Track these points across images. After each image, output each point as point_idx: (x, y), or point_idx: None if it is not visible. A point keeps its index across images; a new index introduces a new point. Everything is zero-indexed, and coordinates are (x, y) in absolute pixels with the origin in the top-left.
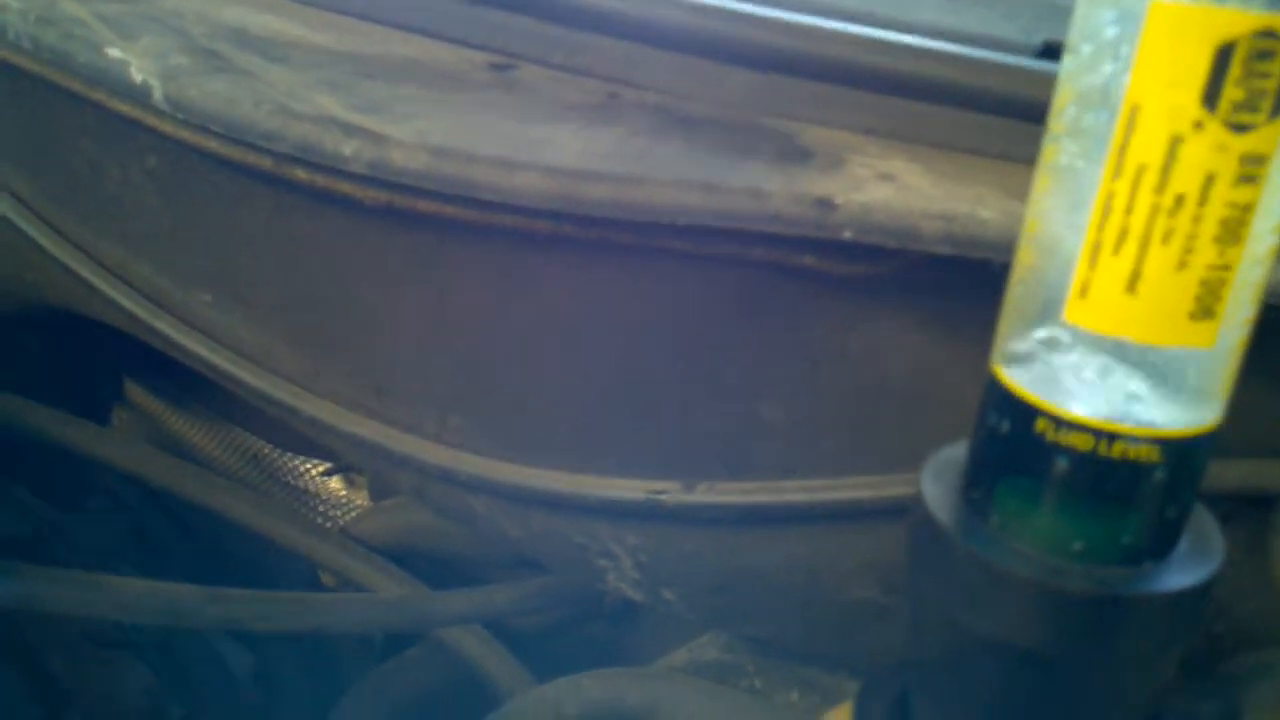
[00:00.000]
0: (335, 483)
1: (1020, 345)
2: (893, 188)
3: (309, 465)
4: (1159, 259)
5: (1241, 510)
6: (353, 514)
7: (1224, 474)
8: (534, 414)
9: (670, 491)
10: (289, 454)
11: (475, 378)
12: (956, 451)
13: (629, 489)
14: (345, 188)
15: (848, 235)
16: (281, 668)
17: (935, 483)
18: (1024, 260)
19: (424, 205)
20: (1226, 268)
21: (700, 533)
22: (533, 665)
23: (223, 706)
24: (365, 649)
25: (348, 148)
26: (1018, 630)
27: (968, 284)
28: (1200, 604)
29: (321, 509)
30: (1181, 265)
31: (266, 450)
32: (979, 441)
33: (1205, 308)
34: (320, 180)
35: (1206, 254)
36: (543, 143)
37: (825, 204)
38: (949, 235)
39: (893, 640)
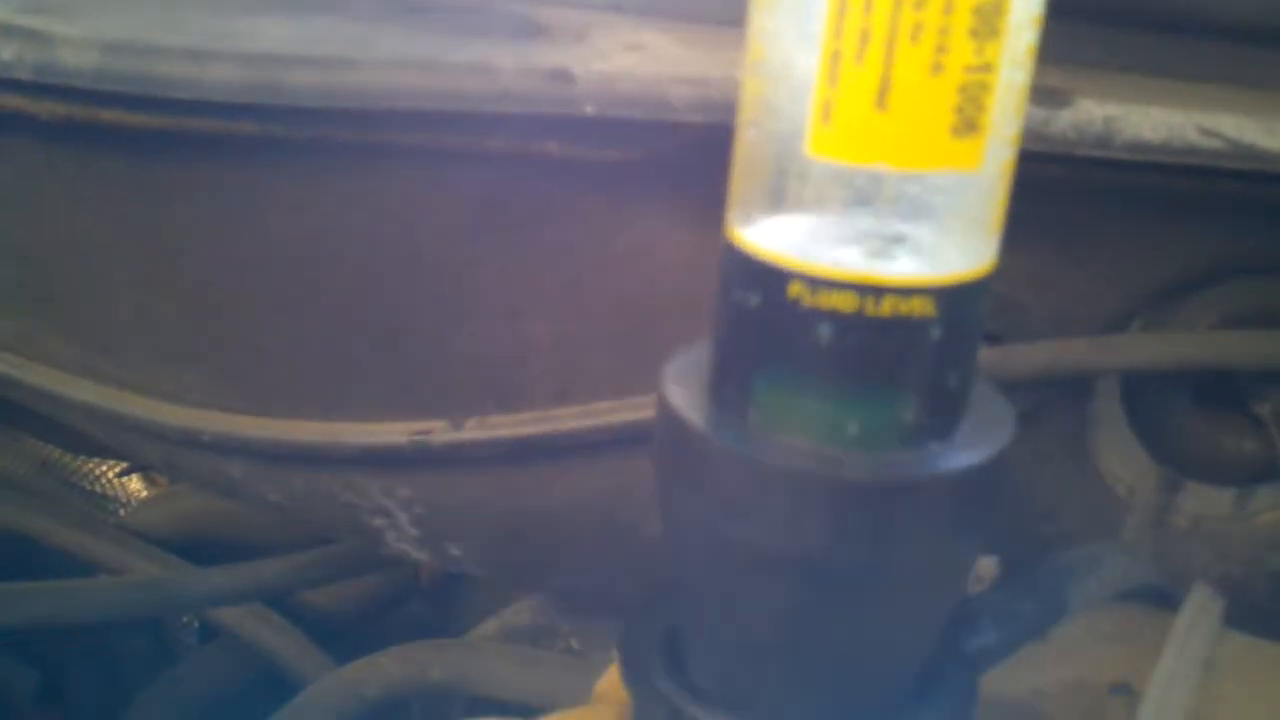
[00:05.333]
0: (134, 483)
1: (758, 199)
2: (639, 56)
3: (104, 467)
4: (910, 61)
5: (1054, 401)
6: None
7: (1028, 357)
8: (276, 357)
9: (437, 431)
10: (80, 457)
11: (206, 323)
12: (697, 354)
13: (392, 432)
14: (15, 102)
15: (590, 110)
16: (74, 683)
17: (680, 385)
18: (752, 93)
19: (107, 115)
20: (987, 68)
21: (476, 475)
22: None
23: None
24: (165, 657)
25: (8, 51)
26: (794, 534)
27: None
28: (992, 483)
29: (122, 512)
30: (936, 67)
31: (56, 455)
32: (724, 325)
33: (968, 120)
34: None
35: (963, 52)
36: (240, 33)
37: (562, 75)
38: (704, 101)
39: None
